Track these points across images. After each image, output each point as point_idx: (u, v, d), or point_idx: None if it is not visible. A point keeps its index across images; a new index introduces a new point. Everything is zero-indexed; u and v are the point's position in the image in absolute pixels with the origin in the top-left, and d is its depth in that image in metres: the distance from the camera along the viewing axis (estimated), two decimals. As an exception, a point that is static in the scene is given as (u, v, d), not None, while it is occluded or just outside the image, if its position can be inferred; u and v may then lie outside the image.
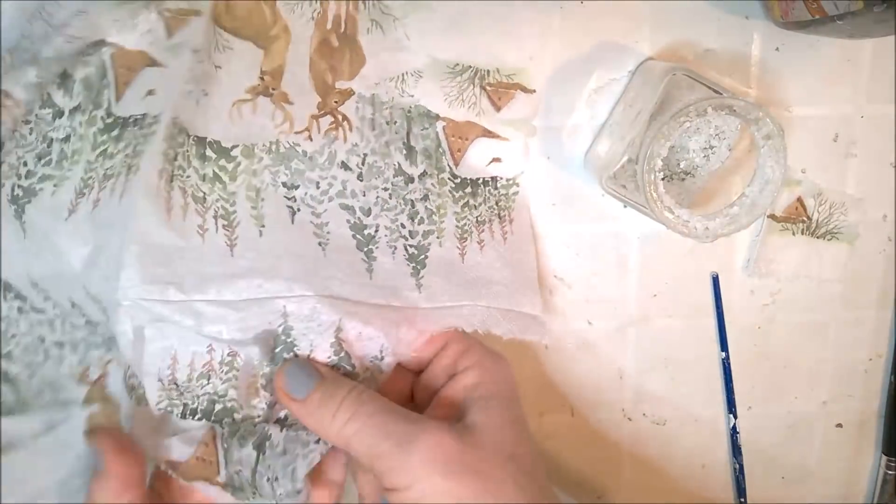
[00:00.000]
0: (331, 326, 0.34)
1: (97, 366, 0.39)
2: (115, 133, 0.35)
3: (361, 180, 0.38)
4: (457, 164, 0.39)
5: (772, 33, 0.39)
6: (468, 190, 0.39)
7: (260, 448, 0.34)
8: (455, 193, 0.39)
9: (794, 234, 0.42)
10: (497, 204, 0.39)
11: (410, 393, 0.37)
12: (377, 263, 0.37)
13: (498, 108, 0.38)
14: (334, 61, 0.37)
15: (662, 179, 0.34)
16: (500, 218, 0.39)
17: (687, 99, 0.34)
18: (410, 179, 0.38)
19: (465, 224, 0.39)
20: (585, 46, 0.38)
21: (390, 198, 0.38)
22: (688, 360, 0.43)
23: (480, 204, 0.39)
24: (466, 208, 0.39)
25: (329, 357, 0.35)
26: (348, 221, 0.37)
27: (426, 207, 0.38)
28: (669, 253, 0.42)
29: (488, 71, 0.38)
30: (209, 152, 0.35)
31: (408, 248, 0.38)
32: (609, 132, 0.39)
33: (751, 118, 0.34)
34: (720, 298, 0.42)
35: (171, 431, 0.34)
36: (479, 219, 0.39)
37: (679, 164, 0.39)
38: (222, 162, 0.35)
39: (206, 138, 0.35)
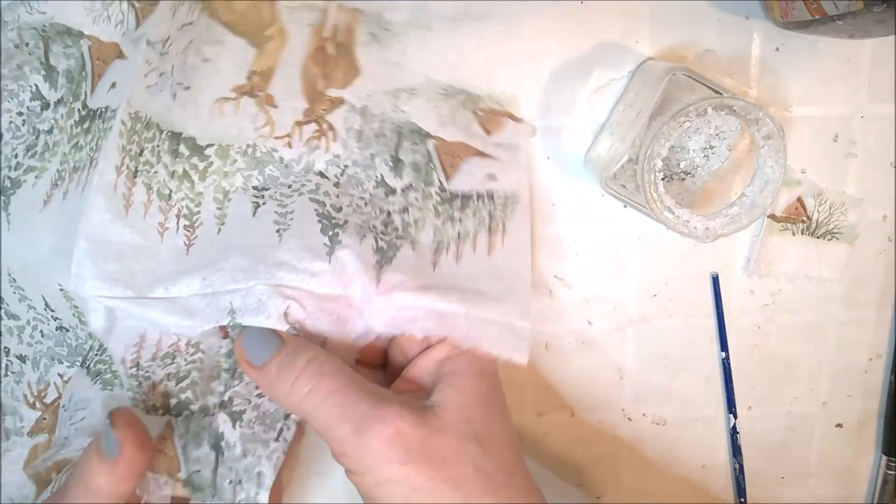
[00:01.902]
0: (279, 314, 0.33)
1: (57, 385, 0.39)
2: (85, 125, 0.35)
3: (338, 188, 0.36)
4: (449, 178, 0.38)
5: (772, 33, 0.39)
6: (456, 203, 0.37)
7: (216, 448, 0.32)
8: (438, 208, 0.37)
9: (794, 234, 0.42)
10: (490, 215, 0.38)
11: (384, 357, 0.36)
12: (340, 247, 0.33)
13: (489, 133, 0.38)
14: (328, 69, 0.37)
15: (662, 179, 0.34)
16: (489, 230, 0.38)
17: (687, 99, 0.34)
18: (392, 191, 0.37)
19: (442, 238, 0.37)
20: (585, 46, 0.38)
21: (365, 205, 0.36)
22: (688, 360, 0.43)
23: (467, 218, 0.37)
24: (449, 222, 0.37)
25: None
26: (316, 211, 0.35)
27: (402, 220, 0.36)
28: (669, 253, 0.42)
29: (479, 96, 0.38)
30: (182, 149, 0.34)
31: (378, 240, 0.35)
32: (609, 132, 0.39)
33: (751, 118, 0.34)
34: (720, 298, 0.42)
35: None
36: (460, 233, 0.37)
37: (679, 164, 0.39)
38: (194, 160, 0.35)
39: (181, 134, 0.34)
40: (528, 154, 0.39)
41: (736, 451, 0.44)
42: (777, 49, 0.39)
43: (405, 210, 0.37)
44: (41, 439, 0.39)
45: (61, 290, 0.35)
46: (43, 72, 0.36)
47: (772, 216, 0.41)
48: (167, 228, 0.34)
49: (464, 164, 0.38)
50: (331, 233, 0.34)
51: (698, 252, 0.42)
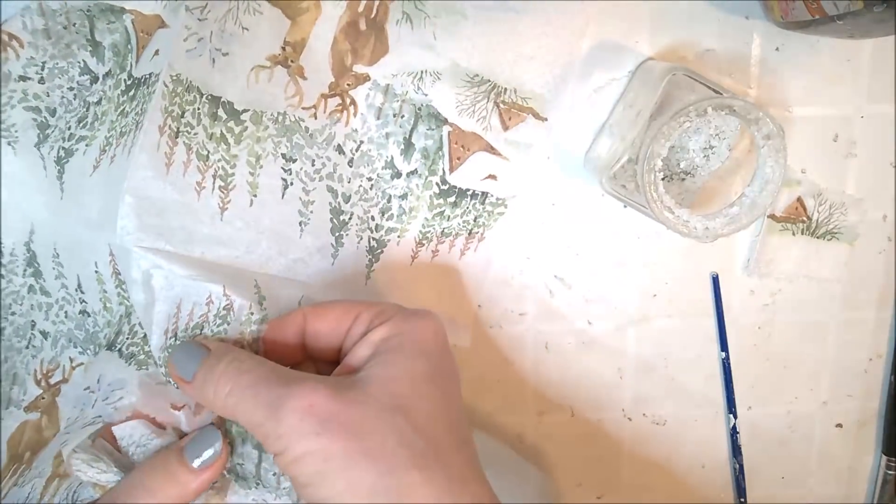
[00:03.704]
0: (294, 301, 0.36)
1: (65, 368, 0.40)
2: (131, 93, 0.37)
3: (351, 166, 0.38)
4: (452, 171, 0.39)
5: (772, 33, 0.39)
6: (451, 199, 0.39)
7: (259, 448, 0.34)
8: (435, 200, 0.39)
9: (794, 234, 0.42)
10: (475, 220, 0.40)
11: (337, 352, 0.35)
12: (343, 250, 0.38)
13: (506, 128, 0.38)
14: (358, 44, 0.37)
15: (662, 179, 0.34)
16: (469, 234, 0.40)
17: (687, 99, 0.34)
18: (397, 174, 0.39)
19: (428, 232, 0.39)
20: (585, 46, 0.38)
21: (371, 188, 0.39)
22: (688, 360, 0.43)
23: (455, 217, 0.39)
24: (438, 217, 0.39)
25: None
26: (330, 204, 0.38)
27: (400, 206, 0.39)
28: (669, 253, 0.42)
29: (505, 89, 0.38)
30: (221, 112, 0.35)
31: (371, 239, 0.39)
32: (609, 132, 0.39)
33: (751, 118, 0.34)
34: (720, 298, 0.42)
35: (172, 403, 0.35)
36: (444, 231, 0.40)
37: (679, 164, 0.39)
38: (231, 124, 0.36)
39: (220, 98, 0.35)
40: (539, 155, 0.40)
41: (736, 451, 0.44)
42: (777, 49, 0.39)
43: (404, 196, 0.39)
44: (33, 417, 0.40)
45: (96, 272, 0.37)
46: (89, 48, 0.37)
47: (772, 216, 0.41)
48: (204, 188, 0.35)
49: (470, 159, 0.39)
50: (337, 234, 0.38)
51: (698, 252, 0.42)
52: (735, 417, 0.44)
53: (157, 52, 0.36)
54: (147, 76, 0.36)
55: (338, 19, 0.37)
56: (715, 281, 0.42)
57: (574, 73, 0.38)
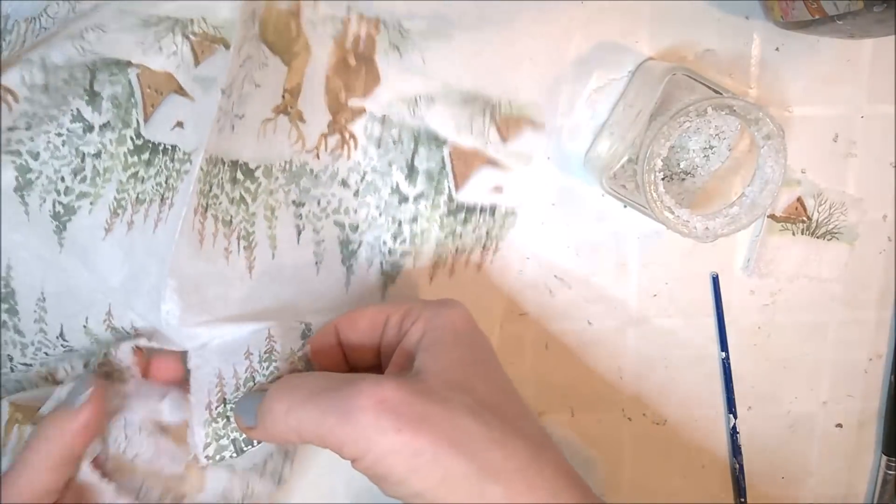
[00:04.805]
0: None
1: (67, 371, 0.39)
2: (145, 157, 0.36)
3: (357, 197, 0.39)
4: (458, 189, 0.39)
5: (772, 33, 0.39)
6: (460, 216, 0.40)
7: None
8: (444, 219, 0.39)
9: (794, 234, 0.42)
10: (487, 233, 0.40)
11: (377, 356, 0.36)
12: (355, 277, 0.39)
13: (505, 140, 0.39)
14: (349, 79, 0.37)
15: (662, 179, 0.34)
16: (483, 247, 0.40)
17: (687, 99, 0.34)
18: (405, 199, 0.39)
19: (442, 252, 0.40)
20: (585, 46, 0.38)
21: (380, 215, 0.39)
22: (688, 360, 0.43)
23: (467, 233, 0.40)
24: (451, 236, 0.40)
25: None
26: (338, 237, 0.39)
27: (411, 230, 0.39)
28: (669, 253, 0.42)
29: (500, 103, 0.38)
30: (239, 175, 0.36)
31: (384, 263, 0.40)
32: (609, 132, 0.39)
33: (751, 118, 0.34)
34: (720, 298, 0.42)
35: (162, 394, 0.35)
36: (458, 248, 0.40)
37: (679, 164, 0.39)
38: (247, 184, 0.36)
39: (237, 161, 0.35)
40: (540, 156, 0.40)
41: (736, 451, 0.44)
42: (777, 49, 0.39)
43: (414, 220, 0.39)
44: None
45: (84, 326, 0.37)
46: (86, 97, 0.36)
47: (772, 216, 0.41)
48: (230, 252, 0.35)
49: (475, 174, 0.39)
50: (348, 263, 0.39)
51: (698, 252, 0.42)
52: (735, 417, 0.44)
53: (180, 125, 0.35)
54: (170, 147, 0.35)
55: (327, 58, 0.37)
56: (715, 281, 0.42)
57: (567, 74, 0.39)
